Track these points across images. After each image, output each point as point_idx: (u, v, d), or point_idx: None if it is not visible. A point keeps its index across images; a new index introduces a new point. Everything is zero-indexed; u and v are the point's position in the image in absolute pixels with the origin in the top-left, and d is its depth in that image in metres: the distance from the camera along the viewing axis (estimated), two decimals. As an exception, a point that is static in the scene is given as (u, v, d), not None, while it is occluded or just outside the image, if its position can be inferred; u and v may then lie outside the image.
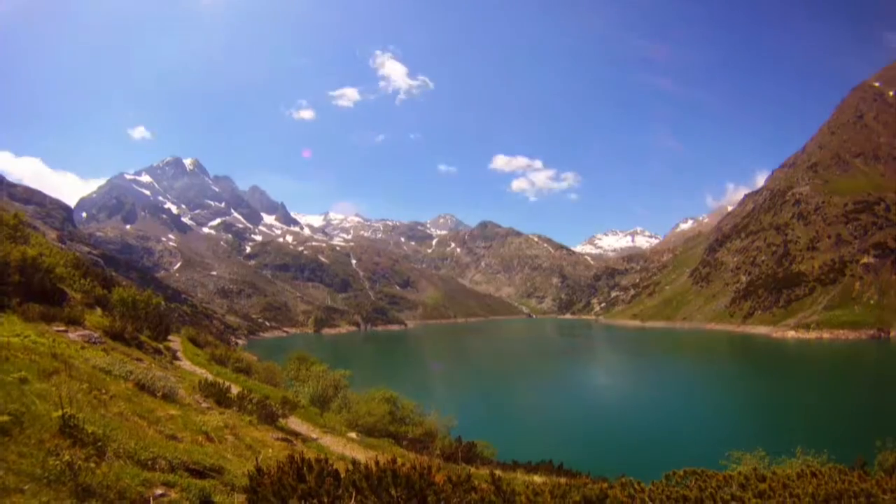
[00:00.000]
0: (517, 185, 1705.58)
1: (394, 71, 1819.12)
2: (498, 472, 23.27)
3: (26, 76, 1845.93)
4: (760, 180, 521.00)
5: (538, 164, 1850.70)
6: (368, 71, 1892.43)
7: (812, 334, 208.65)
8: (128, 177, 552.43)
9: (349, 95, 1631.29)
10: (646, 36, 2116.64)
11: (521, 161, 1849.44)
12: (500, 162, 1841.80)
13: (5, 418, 8.38)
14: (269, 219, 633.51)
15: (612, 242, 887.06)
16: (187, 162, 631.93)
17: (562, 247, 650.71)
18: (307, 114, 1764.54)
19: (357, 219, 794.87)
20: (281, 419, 29.54)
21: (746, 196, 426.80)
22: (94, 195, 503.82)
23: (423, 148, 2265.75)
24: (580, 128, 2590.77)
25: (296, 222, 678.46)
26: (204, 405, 24.15)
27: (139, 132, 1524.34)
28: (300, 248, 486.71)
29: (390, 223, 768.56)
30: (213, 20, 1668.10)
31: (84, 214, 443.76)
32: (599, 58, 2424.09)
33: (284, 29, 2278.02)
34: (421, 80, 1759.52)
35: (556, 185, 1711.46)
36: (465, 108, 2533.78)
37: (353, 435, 35.78)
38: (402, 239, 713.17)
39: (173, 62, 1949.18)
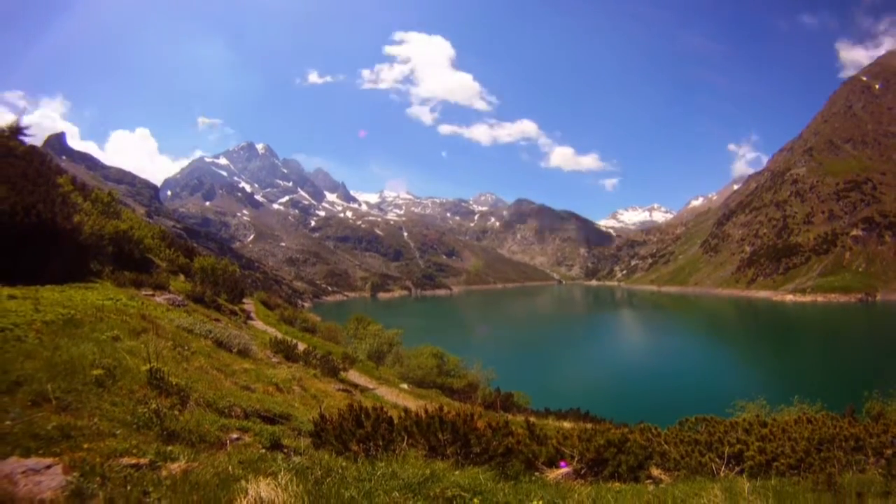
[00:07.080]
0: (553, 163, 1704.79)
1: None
2: (532, 419, 23.14)
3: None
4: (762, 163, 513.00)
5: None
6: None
7: (808, 298, 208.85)
8: (207, 160, 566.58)
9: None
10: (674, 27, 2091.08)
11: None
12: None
13: (100, 372, 8.37)
14: (331, 196, 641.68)
15: (632, 217, 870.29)
16: (259, 146, 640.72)
17: (588, 221, 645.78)
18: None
19: (408, 196, 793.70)
20: (342, 372, 29.78)
21: (750, 177, 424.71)
22: (178, 176, 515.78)
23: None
24: (612, 114, 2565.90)
25: (354, 199, 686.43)
26: (274, 360, 24.37)
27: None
28: (358, 222, 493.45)
29: (437, 200, 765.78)
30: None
31: (169, 193, 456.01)
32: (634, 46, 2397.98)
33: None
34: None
35: (587, 163, 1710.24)
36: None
37: (404, 386, 36.00)
38: (448, 214, 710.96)
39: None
